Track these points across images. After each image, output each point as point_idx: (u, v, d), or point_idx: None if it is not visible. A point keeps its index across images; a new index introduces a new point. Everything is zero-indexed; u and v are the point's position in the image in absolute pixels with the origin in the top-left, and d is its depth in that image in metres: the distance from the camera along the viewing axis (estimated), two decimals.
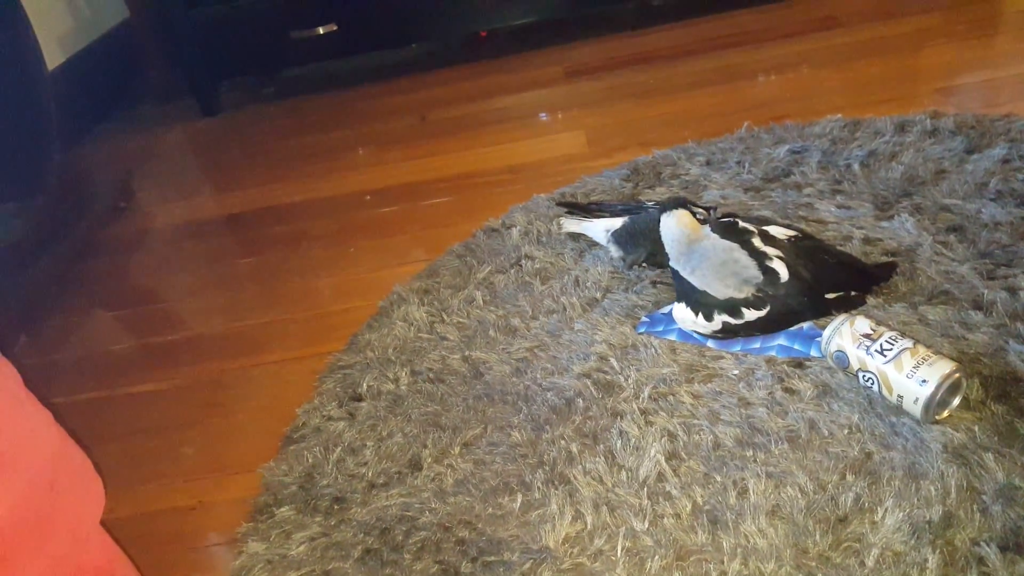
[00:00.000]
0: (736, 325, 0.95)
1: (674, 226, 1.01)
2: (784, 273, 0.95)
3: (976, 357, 0.86)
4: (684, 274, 0.99)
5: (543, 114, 1.80)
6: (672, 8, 2.18)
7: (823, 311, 0.95)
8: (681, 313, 0.98)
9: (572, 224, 1.21)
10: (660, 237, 1.04)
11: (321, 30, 2.09)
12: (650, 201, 1.21)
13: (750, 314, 0.94)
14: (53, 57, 2.14)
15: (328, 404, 1.00)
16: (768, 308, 0.94)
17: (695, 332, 0.98)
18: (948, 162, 1.21)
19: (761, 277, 0.95)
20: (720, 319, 0.95)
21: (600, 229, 1.17)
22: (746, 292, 0.95)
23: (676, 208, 1.02)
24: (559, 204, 1.29)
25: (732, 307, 0.95)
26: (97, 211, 1.77)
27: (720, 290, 0.96)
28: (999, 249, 1.01)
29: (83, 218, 1.74)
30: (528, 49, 2.16)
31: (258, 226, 1.58)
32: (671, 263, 1.02)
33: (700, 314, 0.97)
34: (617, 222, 1.15)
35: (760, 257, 0.96)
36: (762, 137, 1.40)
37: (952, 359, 0.80)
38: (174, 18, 2.06)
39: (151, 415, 1.11)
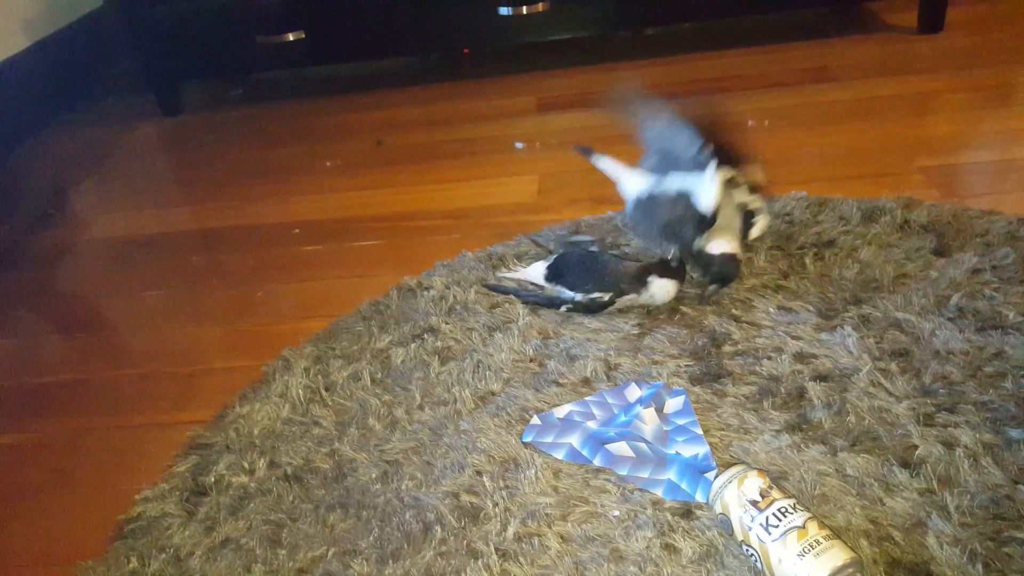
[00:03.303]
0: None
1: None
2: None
3: (888, 533, 0.73)
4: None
5: (502, 152, 1.68)
6: (664, 42, 2.06)
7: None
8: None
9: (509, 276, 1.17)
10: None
11: (290, 36, 1.99)
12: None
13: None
14: (16, 43, 2.06)
15: (171, 494, 0.89)
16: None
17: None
18: (911, 265, 1.08)
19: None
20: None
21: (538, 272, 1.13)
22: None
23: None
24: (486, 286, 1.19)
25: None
26: (24, 216, 1.68)
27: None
28: (945, 388, 0.88)
29: (5, 223, 1.64)
30: (507, 73, 2.04)
31: (177, 252, 1.48)
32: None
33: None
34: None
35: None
36: None
37: (849, 547, 0.68)
38: (138, 13, 1.96)
39: None
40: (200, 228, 1.56)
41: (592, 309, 1.07)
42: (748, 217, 1.07)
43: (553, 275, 1.11)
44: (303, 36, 1.97)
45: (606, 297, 1.05)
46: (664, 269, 1.04)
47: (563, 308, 1.08)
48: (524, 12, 1.90)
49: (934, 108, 1.58)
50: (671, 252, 1.04)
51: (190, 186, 1.77)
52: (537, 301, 1.12)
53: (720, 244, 1.04)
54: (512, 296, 1.13)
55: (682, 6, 1.91)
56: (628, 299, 1.05)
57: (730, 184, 1.03)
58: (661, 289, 1.04)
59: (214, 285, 1.34)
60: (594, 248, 1.19)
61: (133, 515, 0.88)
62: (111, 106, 2.26)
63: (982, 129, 1.49)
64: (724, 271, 1.05)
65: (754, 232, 1.09)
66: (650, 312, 1.07)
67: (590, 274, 1.07)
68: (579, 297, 1.06)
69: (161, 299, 1.34)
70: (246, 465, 0.92)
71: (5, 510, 0.95)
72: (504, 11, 1.90)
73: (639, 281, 1.04)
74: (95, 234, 1.60)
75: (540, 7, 1.89)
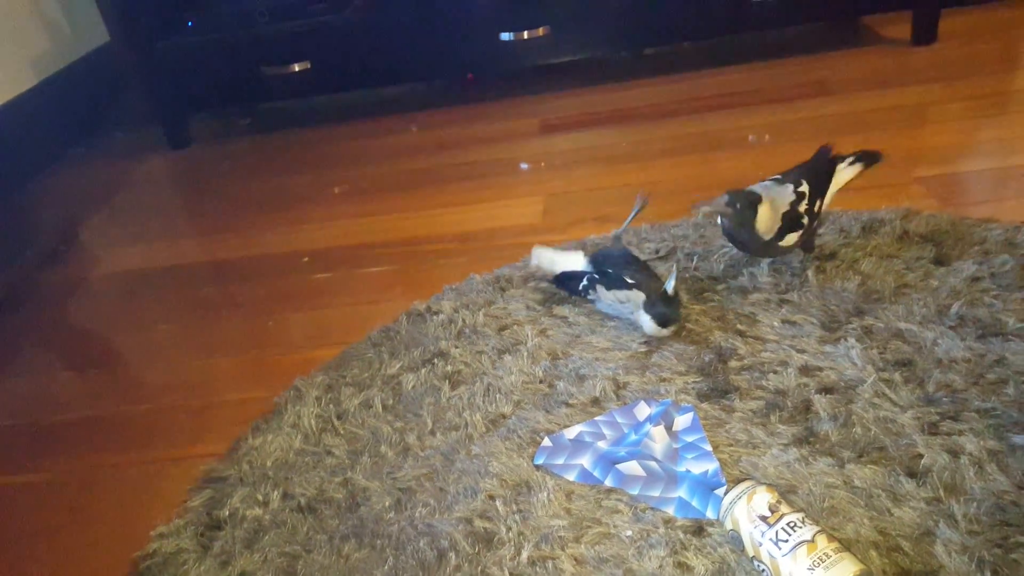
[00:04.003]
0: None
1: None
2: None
3: (897, 544, 0.74)
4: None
5: (508, 174, 1.70)
6: (663, 61, 2.09)
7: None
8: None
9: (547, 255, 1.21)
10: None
11: (296, 67, 2.02)
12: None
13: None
14: (24, 80, 2.10)
15: (185, 529, 0.90)
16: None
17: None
18: (912, 275, 1.09)
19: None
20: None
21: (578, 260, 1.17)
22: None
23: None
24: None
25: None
26: (34, 254, 1.71)
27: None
28: (948, 395, 0.89)
29: (16, 261, 1.67)
30: (510, 96, 2.07)
31: (188, 284, 1.50)
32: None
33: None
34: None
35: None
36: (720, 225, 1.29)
37: (858, 559, 0.68)
38: (146, 47, 2.01)
39: (13, 516, 1.02)
40: (210, 259, 1.58)
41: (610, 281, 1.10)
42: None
43: (593, 263, 1.15)
44: (309, 66, 2.01)
45: (631, 281, 1.07)
46: (650, 304, 1.04)
47: (584, 281, 1.12)
48: (525, 37, 1.93)
49: (930, 118, 1.60)
50: (671, 284, 1.04)
51: (200, 218, 1.79)
52: (569, 288, 1.18)
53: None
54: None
55: (680, 26, 1.94)
56: (635, 295, 1.06)
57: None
58: (645, 319, 1.05)
59: (225, 316, 1.37)
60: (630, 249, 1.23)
61: (149, 552, 0.89)
62: (120, 140, 2.30)
63: (978, 138, 1.51)
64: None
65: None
66: None
67: (628, 268, 1.10)
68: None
69: (173, 332, 1.36)
70: (260, 497, 0.93)
71: (21, 551, 0.96)
72: (505, 36, 1.93)
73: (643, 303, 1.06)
74: (106, 269, 1.62)
75: (541, 31, 1.93)
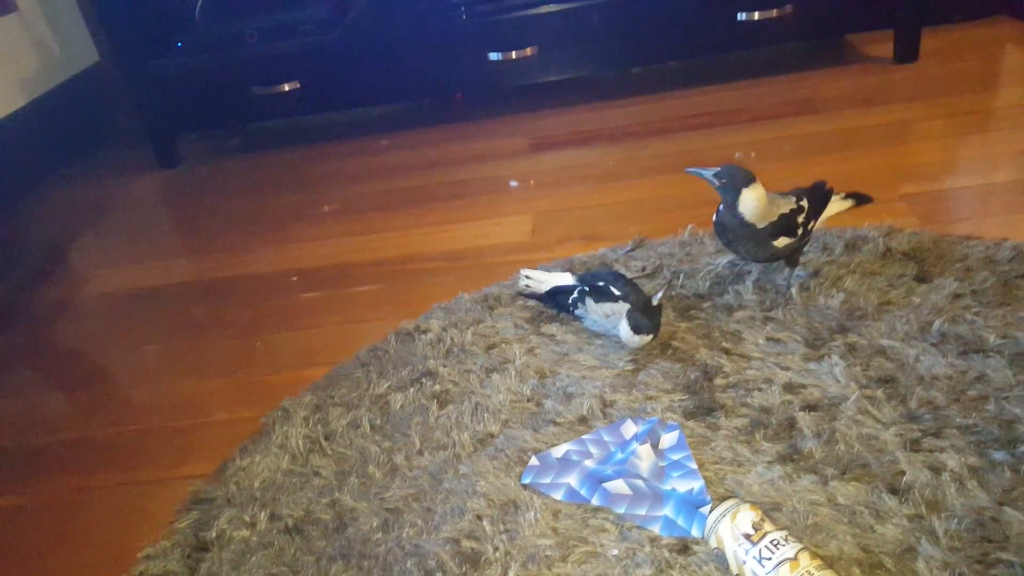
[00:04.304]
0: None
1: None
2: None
3: (879, 561, 0.74)
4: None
5: (497, 192, 1.71)
6: (651, 80, 2.11)
7: None
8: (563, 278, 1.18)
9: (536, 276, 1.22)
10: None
11: (286, 87, 2.03)
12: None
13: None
14: (13, 101, 2.11)
15: (172, 551, 0.90)
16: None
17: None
18: (894, 292, 1.11)
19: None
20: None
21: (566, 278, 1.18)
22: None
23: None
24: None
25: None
26: (22, 273, 1.71)
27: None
28: (930, 412, 0.90)
29: (4, 281, 1.67)
30: (499, 114, 2.09)
31: (177, 304, 1.50)
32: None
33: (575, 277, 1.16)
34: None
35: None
36: (705, 243, 1.31)
37: None
38: (135, 67, 2.02)
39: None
40: (199, 279, 1.58)
41: (600, 293, 1.10)
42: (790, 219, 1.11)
43: (581, 280, 1.15)
44: (298, 86, 2.02)
45: (618, 293, 1.08)
46: (630, 312, 1.05)
47: (574, 294, 1.13)
48: (514, 57, 1.95)
49: (913, 136, 1.62)
50: (657, 296, 1.06)
51: (189, 237, 1.80)
52: (558, 303, 1.17)
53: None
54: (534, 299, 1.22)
55: (666, 45, 1.97)
56: (621, 308, 1.07)
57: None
58: (623, 324, 1.06)
59: (214, 336, 1.37)
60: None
61: (135, 574, 0.89)
62: (108, 159, 2.30)
63: (960, 155, 1.53)
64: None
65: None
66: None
67: (616, 282, 1.10)
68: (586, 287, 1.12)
69: (161, 352, 1.36)
70: (247, 519, 0.93)
71: (7, 574, 0.96)
72: (494, 56, 1.95)
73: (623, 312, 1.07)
74: (94, 289, 1.62)
75: (529, 52, 1.95)
